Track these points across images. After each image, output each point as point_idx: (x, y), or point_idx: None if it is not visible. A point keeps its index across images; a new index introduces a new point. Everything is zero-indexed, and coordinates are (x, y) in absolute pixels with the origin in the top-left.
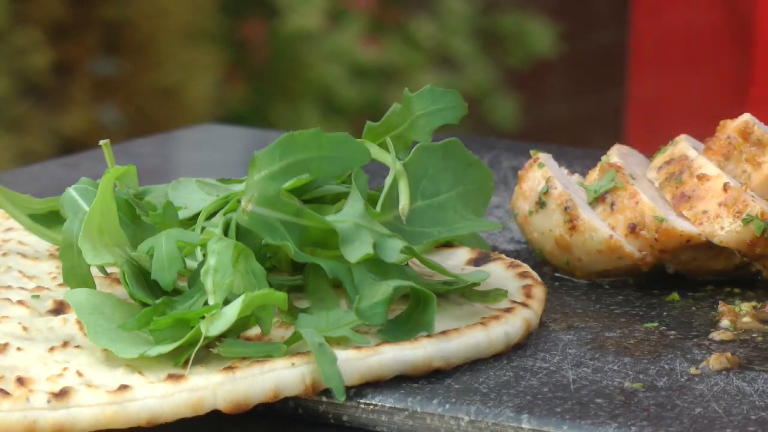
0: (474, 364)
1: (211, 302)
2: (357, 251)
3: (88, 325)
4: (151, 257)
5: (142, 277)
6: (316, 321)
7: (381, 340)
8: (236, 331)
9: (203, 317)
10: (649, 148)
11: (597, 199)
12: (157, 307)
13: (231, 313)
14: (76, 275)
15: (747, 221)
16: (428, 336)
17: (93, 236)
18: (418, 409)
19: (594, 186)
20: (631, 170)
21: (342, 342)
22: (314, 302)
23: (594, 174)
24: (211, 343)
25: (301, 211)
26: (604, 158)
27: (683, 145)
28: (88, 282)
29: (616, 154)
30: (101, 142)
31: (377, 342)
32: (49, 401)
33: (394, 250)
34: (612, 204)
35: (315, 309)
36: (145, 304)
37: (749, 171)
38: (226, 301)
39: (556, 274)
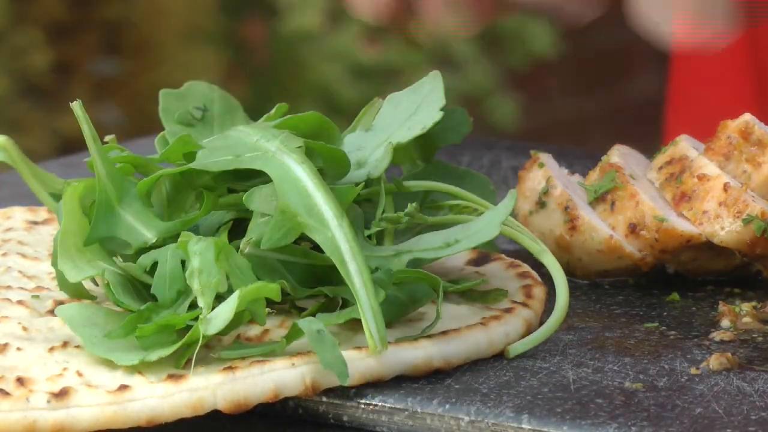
0: (474, 364)
1: (200, 303)
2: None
3: (83, 337)
4: (145, 270)
5: (128, 284)
6: (329, 316)
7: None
8: (231, 326)
9: (196, 318)
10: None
11: (597, 199)
12: (141, 314)
13: (227, 310)
14: (69, 283)
15: (747, 221)
16: (428, 336)
17: (71, 255)
18: (418, 409)
19: (594, 186)
20: (632, 170)
21: (343, 341)
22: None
23: (594, 174)
24: (212, 344)
25: (300, 250)
26: (604, 158)
27: (683, 145)
28: (80, 289)
29: (616, 154)
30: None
31: None
32: (49, 401)
33: (389, 275)
34: (612, 204)
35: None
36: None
37: (749, 171)
38: (217, 298)
39: None
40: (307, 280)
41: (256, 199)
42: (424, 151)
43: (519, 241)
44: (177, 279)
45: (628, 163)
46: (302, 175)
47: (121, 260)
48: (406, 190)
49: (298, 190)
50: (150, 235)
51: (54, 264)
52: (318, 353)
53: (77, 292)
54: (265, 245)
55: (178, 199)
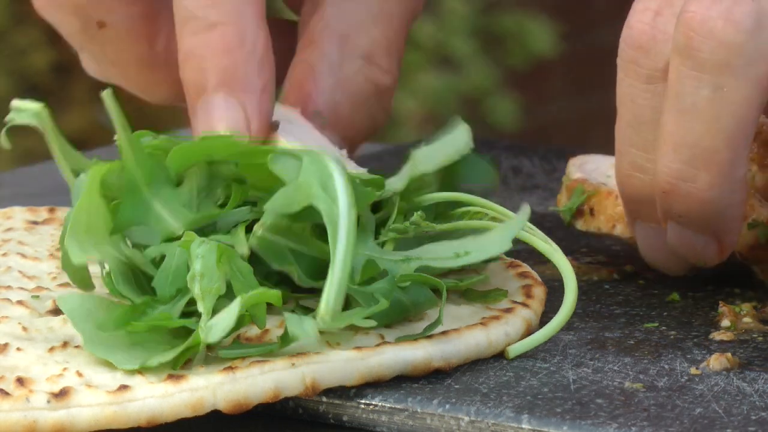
0: (474, 364)
1: (200, 308)
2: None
3: (83, 334)
4: (152, 261)
5: (130, 273)
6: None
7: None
8: (232, 330)
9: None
10: None
11: (575, 216)
12: (136, 308)
13: (228, 318)
14: (71, 263)
15: (752, 226)
16: (428, 336)
17: (80, 236)
18: (418, 409)
19: (566, 207)
20: (595, 178)
21: (343, 341)
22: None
23: (563, 197)
24: (212, 345)
25: (311, 241)
26: (564, 179)
27: None
28: (82, 272)
29: (574, 170)
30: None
31: (377, 342)
32: (49, 401)
33: (391, 284)
34: (591, 210)
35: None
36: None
37: (754, 171)
38: (219, 301)
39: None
40: (313, 273)
41: (280, 163)
42: (444, 185)
43: (531, 243)
44: (180, 276)
45: (588, 171)
46: (332, 166)
47: (129, 246)
48: (417, 205)
49: (321, 172)
50: (177, 226)
51: (61, 241)
52: (288, 326)
53: (78, 275)
54: (269, 206)
55: (208, 189)
